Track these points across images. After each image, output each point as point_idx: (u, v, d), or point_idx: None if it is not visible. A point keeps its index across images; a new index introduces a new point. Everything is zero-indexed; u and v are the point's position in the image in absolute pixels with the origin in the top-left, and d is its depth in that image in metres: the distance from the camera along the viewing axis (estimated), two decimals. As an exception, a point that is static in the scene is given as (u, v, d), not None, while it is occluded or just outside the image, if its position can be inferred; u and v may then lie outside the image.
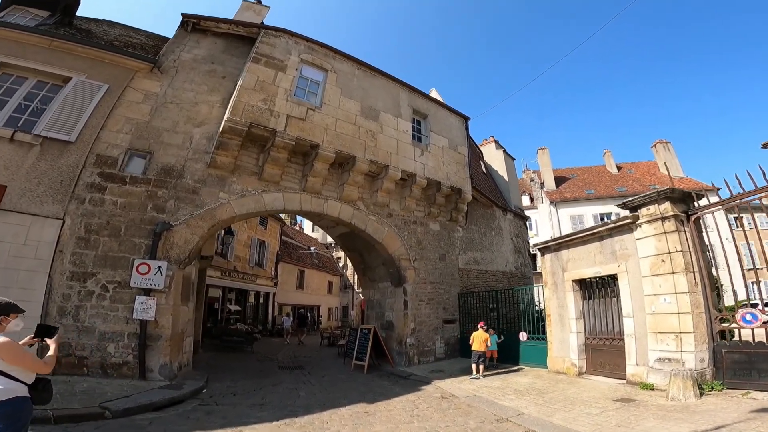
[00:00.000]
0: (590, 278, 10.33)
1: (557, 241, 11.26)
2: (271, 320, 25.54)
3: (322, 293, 33.01)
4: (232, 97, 10.01)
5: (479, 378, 10.43)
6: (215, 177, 9.97)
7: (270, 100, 10.39)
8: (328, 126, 11.30)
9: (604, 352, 9.70)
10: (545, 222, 34.34)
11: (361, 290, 15.62)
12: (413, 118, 13.91)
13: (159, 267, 8.45)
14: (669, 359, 8.03)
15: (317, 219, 13.36)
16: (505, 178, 20.48)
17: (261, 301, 25.43)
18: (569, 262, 10.75)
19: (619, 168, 38.48)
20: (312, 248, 33.72)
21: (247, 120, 9.89)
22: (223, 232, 17.97)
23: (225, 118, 9.70)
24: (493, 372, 10.92)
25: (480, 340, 10.85)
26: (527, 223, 21.27)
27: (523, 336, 11.99)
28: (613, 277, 9.93)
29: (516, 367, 11.74)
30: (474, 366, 10.76)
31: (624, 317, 9.12)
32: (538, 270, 13.70)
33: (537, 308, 16.19)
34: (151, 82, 10.14)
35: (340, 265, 37.46)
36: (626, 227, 9.34)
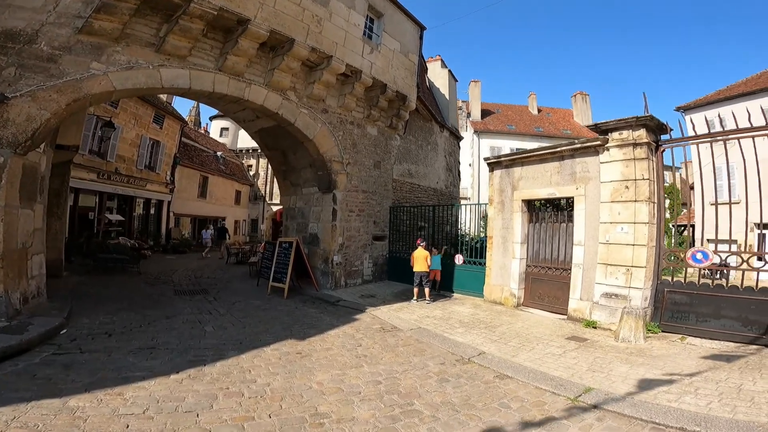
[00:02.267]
0: (542, 200, 9.55)
1: (510, 157, 10.12)
2: (165, 233, 22.09)
3: (228, 203, 29.58)
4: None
5: (423, 303, 9.61)
6: (88, 44, 6.73)
7: None
8: (266, 1, 8.55)
9: (545, 282, 9.17)
10: (466, 149, 35.15)
11: (279, 197, 13.34)
12: (367, 15, 11.55)
13: None
14: (616, 295, 7.62)
15: (235, 108, 10.50)
16: (447, 97, 18.80)
17: (152, 210, 21.58)
18: (521, 180, 9.74)
19: (539, 111, 40.39)
20: (218, 153, 29.47)
21: None
22: (100, 124, 13.89)
23: None
24: (428, 300, 9.96)
25: (421, 259, 9.85)
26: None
27: (459, 259, 11.15)
28: (568, 201, 9.28)
29: (451, 294, 10.97)
30: (416, 290, 9.87)
31: (575, 245, 8.51)
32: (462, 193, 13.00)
33: (461, 232, 15.94)
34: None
35: (251, 173, 33.84)
36: (592, 149, 8.45)
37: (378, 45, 11.88)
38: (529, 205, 9.68)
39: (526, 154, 9.76)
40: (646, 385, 4.67)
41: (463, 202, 19.47)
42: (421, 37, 14.22)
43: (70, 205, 14.91)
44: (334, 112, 11.26)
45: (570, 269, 8.56)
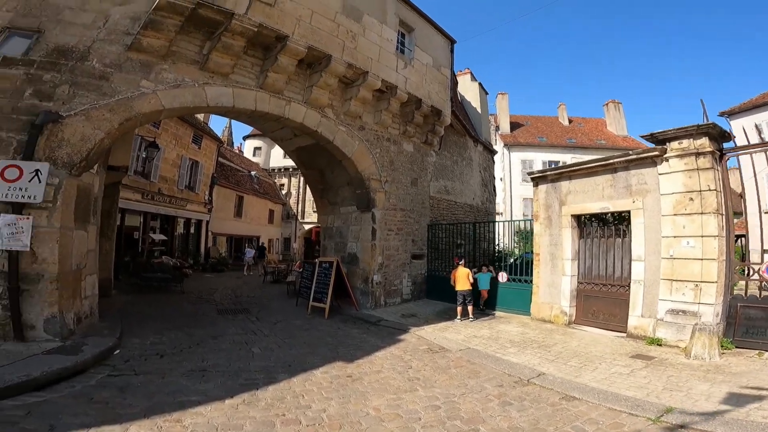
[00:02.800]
0: (593, 214, 9.08)
1: (557, 171, 9.73)
2: (204, 252, 22.53)
3: (262, 222, 29.99)
4: (177, -30, 6.89)
5: (467, 321, 9.28)
6: (137, 62, 6.92)
7: None
8: (302, 17, 8.65)
9: (599, 299, 8.68)
10: (497, 163, 34.54)
11: (317, 216, 13.30)
12: (399, 30, 11.60)
13: (37, 171, 5.50)
14: (683, 311, 7.13)
15: (273, 126, 10.61)
16: (478, 110, 18.56)
17: (192, 230, 22.10)
18: (569, 195, 9.31)
19: (570, 121, 39.30)
20: (252, 173, 30.07)
21: None
22: (144, 145, 14.37)
23: None
24: (472, 318, 9.59)
25: (463, 277, 9.54)
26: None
27: (503, 277, 10.72)
28: (622, 215, 8.80)
29: (493, 313, 10.53)
30: (459, 308, 9.53)
31: (633, 261, 8.05)
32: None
33: (498, 248, 15.44)
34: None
35: (284, 193, 34.32)
36: (648, 160, 8.04)
37: (411, 60, 11.85)
38: (579, 220, 9.23)
39: (574, 168, 9.35)
40: (734, 402, 4.31)
41: (495, 217, 18.94)
42: (452, 51, 14.15)
43: (117, 225, 15.39)
44: (370, 129, 11.21)
45: (627, 285, 8.08)
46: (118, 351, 5.96)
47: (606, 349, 7.00)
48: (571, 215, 9.17)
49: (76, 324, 6.17)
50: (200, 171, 21.63)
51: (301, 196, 33.74)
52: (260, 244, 26.33)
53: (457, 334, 8.24)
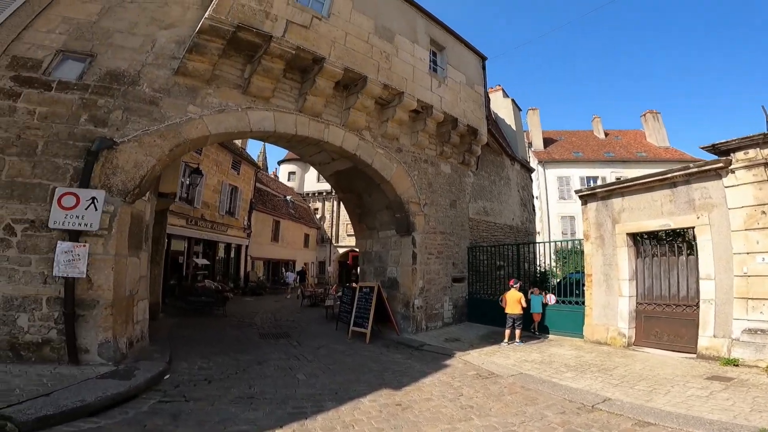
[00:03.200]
0: (651, 232, 8.53)
1: (608, 188, 9.27)
2: (244, 276, 22.90)
3: (298, 247, 30.36)
4: (218, -7, 7.25)
5: (515, 345, 8.85)
6: (184, 87, 7.17)
7: (266, 1, 7.68)
8: (337, 39, 8.80)
9: (662, 320, 8.10)
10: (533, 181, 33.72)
11: (355, 240, 13.22)
12: (430, 49, 11.62)
13: (93, 199, 5.69)
14: (762, 330, 6.54)
15: (312, 150, 10.74)
16: (513, 127, 18.25)
17: (232, 254, 22.60)
18: (623, 212, 8.81)
19: (606, 134, 37.84)
20: (288, 197, 30.69)
21: (235, 20, 7.19)
22: (188, 171, 14.91)
23: (206, 15, 6.99)
24: (519, 341, 9.12)
25: (514, 300, 9.20)
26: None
27: (551, 299, 10.19)
28: (682, 232, 8.27)
29: (542, 336, 10.00)
30: (507, 331, 9.13)
31: (701, 279, 7.47)
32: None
33: (540, 269, 14.88)
34: (104, -20, 7.27)
35: (318, 217, 34.77)
36: (712, 173, 7.53)
37: (444, 78, 11.77)
38: (635, 238, 8.71)
39: (627, 184, 8.87)
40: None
41: (535, 237, 18.27)
42: (483, 68, 14.00)
43: (164, 250, 15.90)
44: (408, 150, 11.13)
45: (695, 305, 7.54)
46: (168, 376, 5.94)
47: (676, 371, 6.55)
48: (627, 233, 8.67)
49: (128, 348, 6.23)
50: (239, 197, 22.22)
51: (334, 220, 34.02)
52: (300, 269, 26.68)
53: (506, 358, 7.85)
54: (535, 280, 13.39)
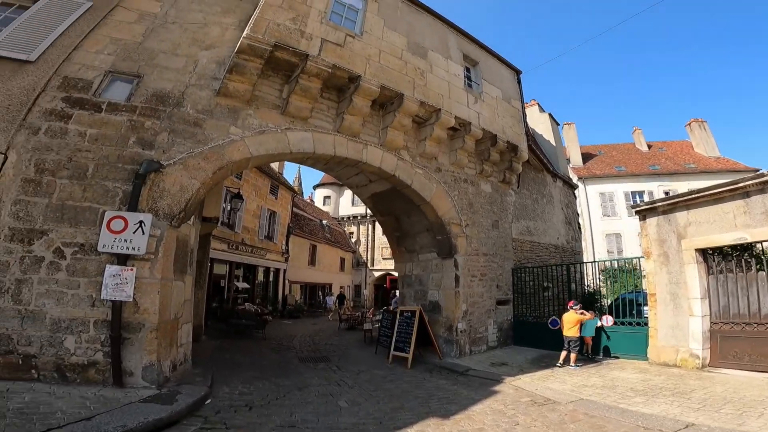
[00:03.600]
0: (722, 247, 7.79)
1: (670, 201, 8.58)
2: (282, 299, 23.01)
3: (334, 270, 30.38)
4: (254, 14, 7.48)
5: (569, 369, 8.32)
6: (225, 108, 7.29)
7: (301, 20, 7.81)
8: (371, 57, 8.78)
9: (742, 340, 7.36)
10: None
11: (394, 263, 12.92)
12: (464, 65, 11.44)
13: (140, 222, 5.74)
14: None
15: (349, 173, 10.66)
16: (551, 142, 17.67)
17: (271, 278, 22.81)
18: (690, 226, 8.11)
19: (650, 146, 36.03)
20: (324, 221, 30.99)
21: (272, 39, 7.31)
22: (229, 196, 15.25)
23: (244, 35, 7.16)
24: (574, 365, 8.60)
25: (572, 322, 8.72)
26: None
27: (607, 320, 9.51)
28: (744, 246, 7.59)
29: (599, 359, 9.32)
30: (563, 354, 8.63)
31: (787, 297, 6.61)
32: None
33: (588, 289, 13.99)
34: (150, 2, 7.69)
35: (353, 240, 34.82)
36: (792, 178, 6.76)
37: (480, 94, 11.47)
38: (704, 254, 8.01)
39: (692, 196, 8.20)
40: None
41: (582, 257, 17.29)
42: (519, 82, 13.61)
43: (207, 274, 16.21)
44: (447, 170, 10.85)
45: None
46: (209, 401, 5.77)
47: (764, 392, 6.02)
48: (695, 249, 7.97)
49: (171, 371, 6.15)
50: (277, 221, 22.56)
51: (370, 244, 33.93)
52: (339, 293, 26.73)
53: (562, 383, 7.27)
54: (583, 302, 12.56)
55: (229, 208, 15.14)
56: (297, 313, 22.22)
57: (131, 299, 5.52)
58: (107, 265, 5.53)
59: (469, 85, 11.43)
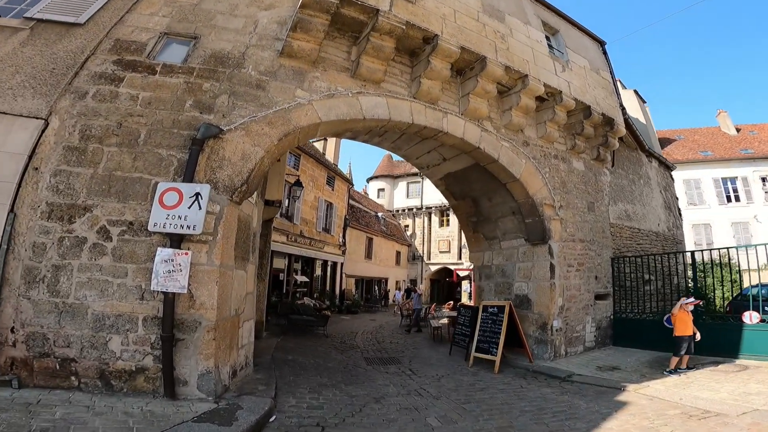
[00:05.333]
0: None
1: None
2: (340, 294, 22.08)
3: (390, 264, 29.10)
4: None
5: (688, 372, 7.03)
6: (290, 70, 6.17)
7: None
8: (446, 16, 7.37)
9: None
10: None
11: (468, 253, 11.37)
12: (544, 32, 9.81)
13: (197, 195, 4.65)
14: None
15: (423, 149, 9.33)
16: (641, 120, 15.27)
17: (328, 271, 21.94)
18: None
19: (738, 130, 31.66)
20: (379, 214, 29.80)
21: None
22: (288, 186, 14.39)
23: None
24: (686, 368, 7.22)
25: (686, 320, 7.27)
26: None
27: (750, 317, 7.66)
28: None
29: (724, 360, 7.72)
30: (678, 358, 7.14)
31: None
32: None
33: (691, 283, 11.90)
34: (205, -37, 6.81)
35: (408, 233, 33.39)
36: None
37: (567, 62, 9.75)
38: None
39: None
40: None
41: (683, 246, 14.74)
42: (605, 53, 11.82)
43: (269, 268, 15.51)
44: (535, 144, 9.18)
45: None
46: (274, 417, 4.63)
47: None
48: None
49: (230, 378, 5.08)
50: (334, 213, 21.65)
51: (426, 237, 32.41)
52: (408, 286, 25.55)
53: (713, 391, 5.85)
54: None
55: (288, 196, 14.25)
56: (354, 308, 21.21)
57: (185, 291, 4.44)
58: (159, 248, 4.49)
59: (553, 53, 9.72)
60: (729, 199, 26.72)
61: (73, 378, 4.29)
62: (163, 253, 4.43)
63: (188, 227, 4.50)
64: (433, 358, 9.33)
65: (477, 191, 9.71)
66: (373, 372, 7.78)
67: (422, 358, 9.43)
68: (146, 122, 5.25)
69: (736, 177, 26.83)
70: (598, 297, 9.65)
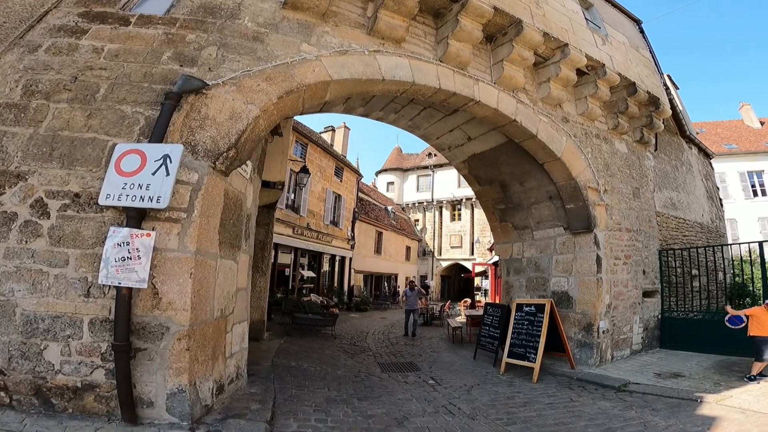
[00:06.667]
0: None
1: None
2: (348, 290, 20.85)
3: (399, 260, 27.75)
4: None
5: (758, 381, 5.80)
6: (294, 23, 4.95)
7: None
8: None
9: None
10: None
11: (494, 245, 10.05)
12: (579, 5, 8.58)
13: (165, 158, 3.43)
14: None
15: (444, 127, 8.10)
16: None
17: (336, 267, 20.70)
18: None
19: (761, 122, 30.24)
20: (389, 207, 28.48)
21: None
22: (292, 175, 13.22)
23: None
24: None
25: (764, 319, 6.09)
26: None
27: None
28: None
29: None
30: (760, 363, 5.92)
31: None
32: None
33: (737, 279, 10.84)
34: None
35: (418, 228, 32.06)
36: None
37: (606, 36, 8.50)
38: None
39: None
40: None
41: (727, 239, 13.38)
42: (642, 32, 10.64)
43: (271, 262, 14.34)
44: (575, 121, 7.91)
45: None
46: (269, 451, 3.44)
47: None
48: None
49: (215, 395, 3.87)
50: (343, 205, 20.44)
51: (437, 232, 31.13)
52: (422, 282, 24.20)
53: None
54: (732, 295, 9.83)
55: (294, 183, 13.03)
56: (363, 305, 19.97)
57: (146, 285, 3.24)
58: (111, 228, 3.29)
59: (591, 27, 8.49)
60: (755, 194, 25.33)
61: (2, 393, 3.13)
62: (116, 234, 3.22)
63: (150, 199, 3.27)
64: (455, 363, 8.13)
65: (506, 174, 8.42)
66: (389, 381, 6.56)
67: (443, 363, 8.22)
68: (109, 76, 4.06)
69: (762, 171, 25.50)
70: (646, 294, 8.39)
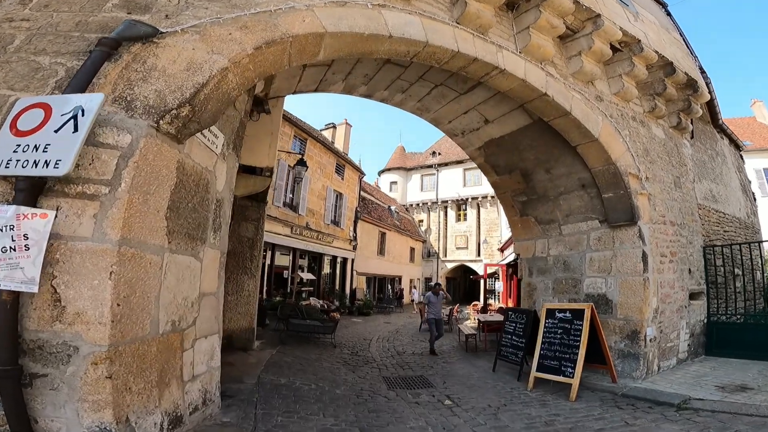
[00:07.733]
0: None
1: None
2: (350, 293, 19.70)
3: (403, 261, 26.55)
4: None
5: None
6: None
7: None
8: None
9: None
10: None
11: (513, 243, 8.84)
12: None
13: (77, 110, 2.34)
14: None
15: (459, 108, 7.03)
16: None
17: (338, 269, 19.57)
18: None
19: None
20: (392, 207, 27.35)
21: None
22: (289, 168, 12.15)
23: None
24: None
25: None
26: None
27: None
28: None
29: None
30: None
31: None
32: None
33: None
34: None
35: (422, 229, 30.90)
36: None
37: (636, 14, 7.54)
38: None
39: None
40: None
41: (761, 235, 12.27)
42: (669, 15, 9.87)
43: (267, 263, 13.25)
44: (610, 101, 6.85)
45: None
46: None
47: None
48: None
49: (167, 430, 2.78)
50: (344, 204, 19.37)
51: (442, 233, 30.00)
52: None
53: None
54: None
55: (293, 175, 11.96)
56: (366, 309, 18.80)
57: (36, 287, 2.14)
58: (-6, 207, 2.22)
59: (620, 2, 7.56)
60: (772, 191, 24.27)
61: None
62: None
63: (45, 164, 2.19)
64: (473, 377, 7.03)
65: (530, 161, 7.32)
66: (398, 402, 5.45)
67: (459, 376, 7.12)
68: (30, 27, 3.04)
69: (778, 167, 24.48)
70: (692, 296, 7.32)
